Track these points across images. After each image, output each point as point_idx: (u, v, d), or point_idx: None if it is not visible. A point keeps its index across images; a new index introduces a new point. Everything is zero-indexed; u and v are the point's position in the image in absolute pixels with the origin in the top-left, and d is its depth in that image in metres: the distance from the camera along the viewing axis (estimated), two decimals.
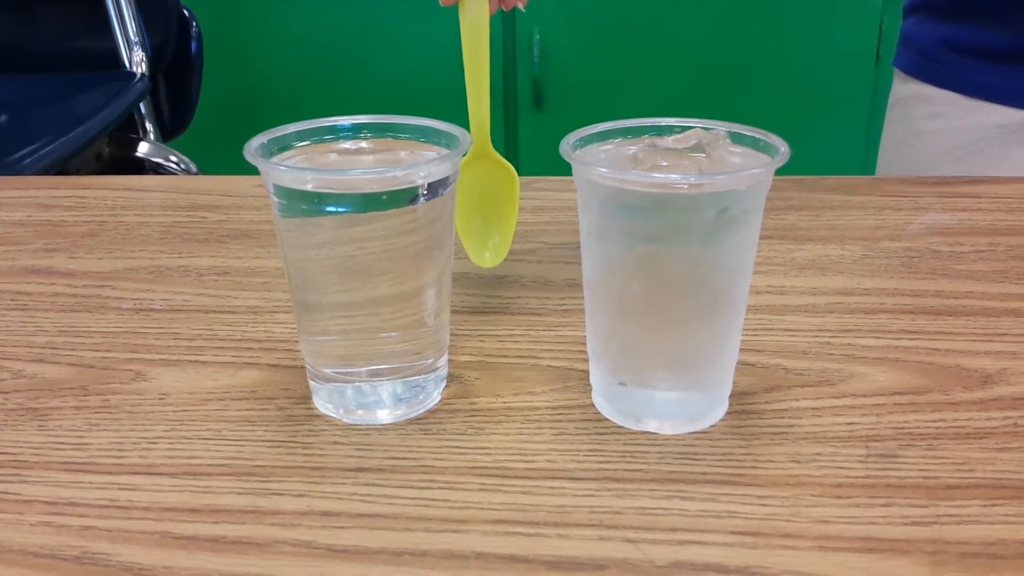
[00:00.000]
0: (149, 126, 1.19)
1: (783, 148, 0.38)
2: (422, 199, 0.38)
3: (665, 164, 0.38)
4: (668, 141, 0.40)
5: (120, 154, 1.14)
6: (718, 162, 0.39)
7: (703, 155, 0.39)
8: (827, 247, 0.58)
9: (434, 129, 0.42)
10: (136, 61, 1.14)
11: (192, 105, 1.26)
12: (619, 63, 1.56)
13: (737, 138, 0.40)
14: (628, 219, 0.37)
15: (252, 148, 0.39)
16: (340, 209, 0.38)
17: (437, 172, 0.39)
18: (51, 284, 0.55)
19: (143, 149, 1.16)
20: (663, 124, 0.41)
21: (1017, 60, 0.72)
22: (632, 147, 0.41)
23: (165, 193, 0.70)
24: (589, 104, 1.57)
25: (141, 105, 1.18)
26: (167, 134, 1.24)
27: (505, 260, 0.57)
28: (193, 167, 1.16)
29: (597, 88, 1.57)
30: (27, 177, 0.85)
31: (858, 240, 0.58)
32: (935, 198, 0.65)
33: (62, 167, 0.94)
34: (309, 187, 0.38)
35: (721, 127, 0.40)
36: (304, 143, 0.42)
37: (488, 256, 0.51)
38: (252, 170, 0.39)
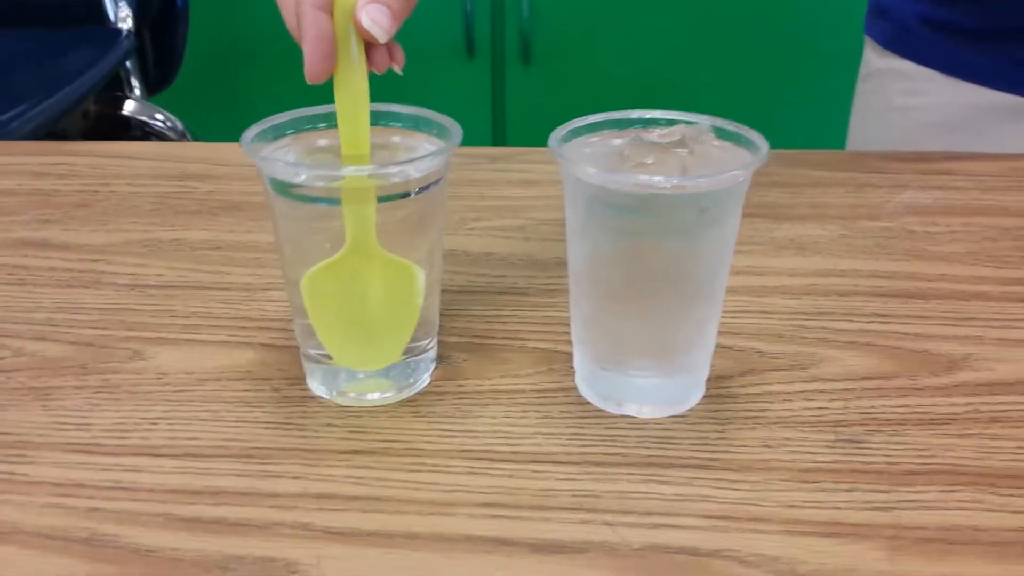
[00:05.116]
0: (135, 81, 1.18)
1: (763, 148, 0.39)
2: (414, 194, 0.40)
3: (650, 162, 0.39)
4: (653, 135, 0.41)
5: (106, 112, 1.14)
6: (701, 158, 0.40)
7: (686, 151, 0.40)
8: (807, 226, 0.59)
9: (426, 119, 0.43)
10: (121, 16, 1.13)
11: (178, 59, 1.25)
12: (610, 17, 1.56)
13: (720, 132, 0.41)
14: (613, 216, 0.38)
15: (248, 140, 0.40)
16: (333, 203, 0.39)
17: (430, 167, 0.40)
18: (47, 258, 0.56)
19: (129, 107, 1.15)
20: (648, 117, 0.42)
21: (996, 41, 0.73)
22: (618, 139, 0.42)
23: (155, 161, 0.70)
24: (579, 59, 1.57)
25: (127, 61, 1.17)
26: (152, 88, 1.24)
27: (494, 236, 0.59)
28: (179, 124, 1.16)
29: (587, 42, 1.56)
30: (17, 143, 0.85)
31: (837, 219, 0.60)
32: (914, 175, 0.66)
33: (51, 128, 0.95)
34: (303, 178, 0.39)
35: (705, 121, 0.42)
36: (296, 131, 0.43)
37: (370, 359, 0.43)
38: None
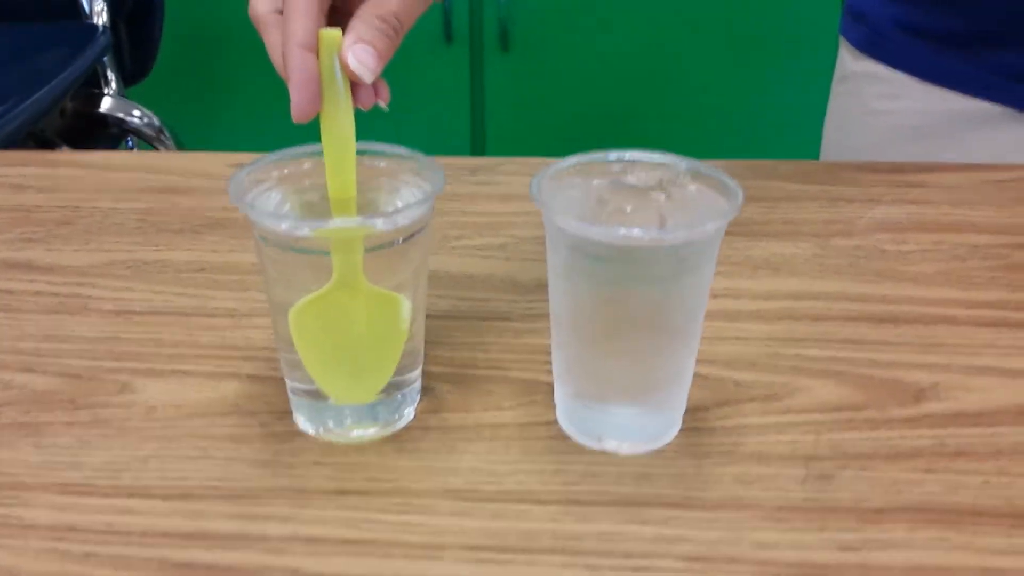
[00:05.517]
0: (111, 75, 1.17)
1: (738, 195, 0.40)
2: (399, 241, 0.41)
3: (629, 209, 0.40)
4: (631, 178, 0.42)
5: (83, 109, 1.13)
6: (678, 203, 0.41)
7: (664, 195, 0.42)
8: (781, 244, 0.60)
9: (408, 156, 0.44)
10: (97, 11, 1.12)
11: (153, 51, 1.24)
12: (588, 4, 1.55)
13: (696, 175, 0.42)
14: (593, 264, 0.39)
15: (236, 190, 0.41)
16: (320, 252, 0.40)
17: (417, 214, 0.40)
18: (31, 281, 0.57)
19: (106, 104, 1.14)
20: (627, 158, 0.43)
21: (969, 46, 0.74)
22: (598, 180, 0.43)
23: (136, 173, 0.70)
24: (557, 46, 1.57)
25: (104, 57, 1.16)
26: (128, 80, 1.23)
27: (476, 256, 0.60)
28: (156, 120, 1.15)
29: (566, 29, 1.56)
30: None
31: (810, 236, 0.61)
32: (887, 187, 0.68)
33: (30, 127, 0.94)
34: (285, 228, 0.40)
35: (681, 164, 0.43)
36: (282, 171, 0.43)
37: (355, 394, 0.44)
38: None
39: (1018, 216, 0.63)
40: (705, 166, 0.42)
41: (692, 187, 0.42)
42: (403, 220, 0.40)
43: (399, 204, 0.43)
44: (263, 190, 0.43)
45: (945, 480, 0.42)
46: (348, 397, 0.44)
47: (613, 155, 0.43)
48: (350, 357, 0.43)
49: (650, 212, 0.40)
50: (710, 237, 0.39)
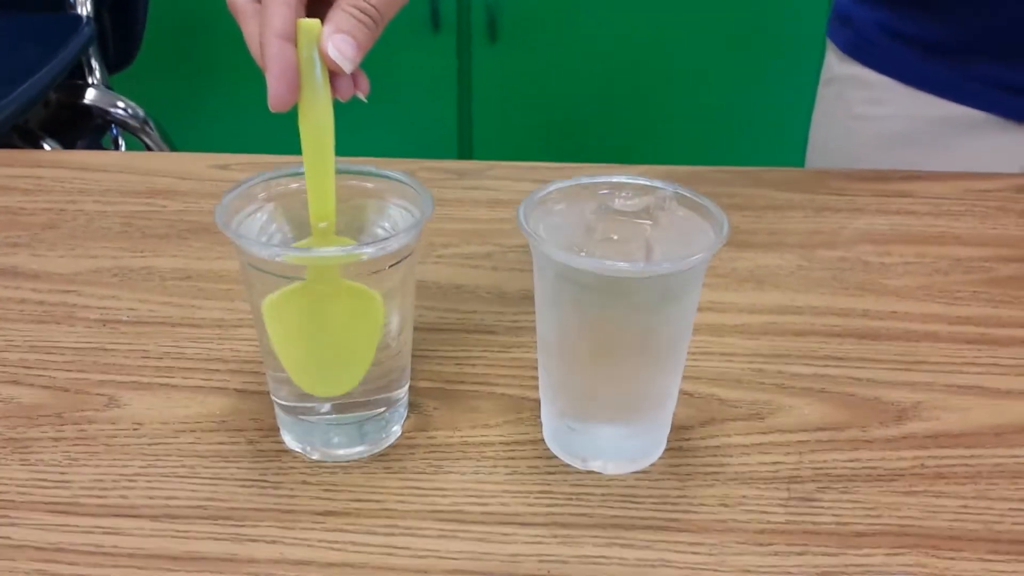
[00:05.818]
0: (95, 64, 1.16)
1: (724, 225, 0.40)
2: (388, 268, 0.41)
3: (616, 237, 0.40)
4: (618, 203, 0.43)
5: (66, 100, 1.12)
6: (665, 229, 0.42)
7: (651, 222, 0.42)
8: (766, 256, 0.61)
9: (397, 179, 0.44)
10: (80, 1, 1.11)
11: (137, 39, 1.23)
12: None
13: (683, 200, 0.42)
14: (579, 291, 0.40)
15: (222, 217, 0.40)
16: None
17: (405, 240, 0.40)
18: (17, 288, 0.56)
19: (90, 96, 1.13)
20: (615, 181, 0.43)
21: (956, 55, 0.74)
22: (587, 203, 0.43)
23: (122, 174, 0.70)
24: (545, 37, 1.56)
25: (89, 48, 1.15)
26: (111, 68, 1.22)
27: (462, 266, 0.60)
28: (140, 112, 1.14)
29: (554, 20, 1.55)
30: None
31: (795, 248, 0.62)
32: (872, 196, 0.68)
33: (16, 120, 0.93)
34: (278, 259, 0.40)
35: (668, 188, 0.43)
36: (269, 191, 0.43)
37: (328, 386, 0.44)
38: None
39: (1001, 228, 0.64)
40: (691, 192, 0.42)
41: (679, 213, 0.42)
42: (393, 246, 0.40)
43: (387, 226, 0.43)
44: (251, 211, 0.43)
45: (925, 503, 0.42)
46: (322, 390, 0.43)
47: (600, 178, 0.43)
48: (324, 350, 0.43)
49: (638, 240, 0.41)
50: (695, 267, 0.39)
